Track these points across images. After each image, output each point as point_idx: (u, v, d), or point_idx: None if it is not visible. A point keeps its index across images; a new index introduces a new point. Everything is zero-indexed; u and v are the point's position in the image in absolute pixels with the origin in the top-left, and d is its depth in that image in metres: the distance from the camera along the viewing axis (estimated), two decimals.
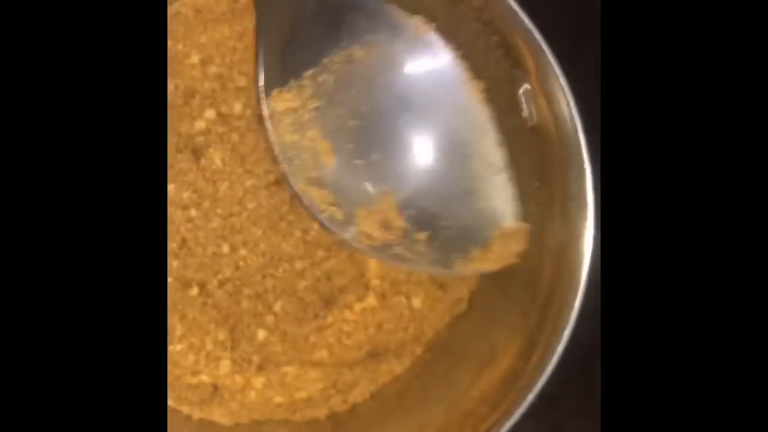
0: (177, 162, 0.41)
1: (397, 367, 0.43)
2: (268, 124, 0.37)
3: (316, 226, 0.42)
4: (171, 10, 0.42)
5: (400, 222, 0.40)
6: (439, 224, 0.40)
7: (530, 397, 0.37)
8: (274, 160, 0.42)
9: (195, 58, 0.42)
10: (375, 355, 0.43)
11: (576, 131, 0.37)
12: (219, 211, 0.42)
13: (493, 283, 0.43)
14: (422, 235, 0.40)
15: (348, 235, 0.39)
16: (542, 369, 0.37)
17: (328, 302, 0.43)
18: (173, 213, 0.42)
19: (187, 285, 0.42)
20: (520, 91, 0.39)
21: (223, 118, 0.42)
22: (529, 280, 0.40)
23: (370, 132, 0.39)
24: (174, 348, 0.42)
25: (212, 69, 0.42)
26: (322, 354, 0.43)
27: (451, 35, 0.40)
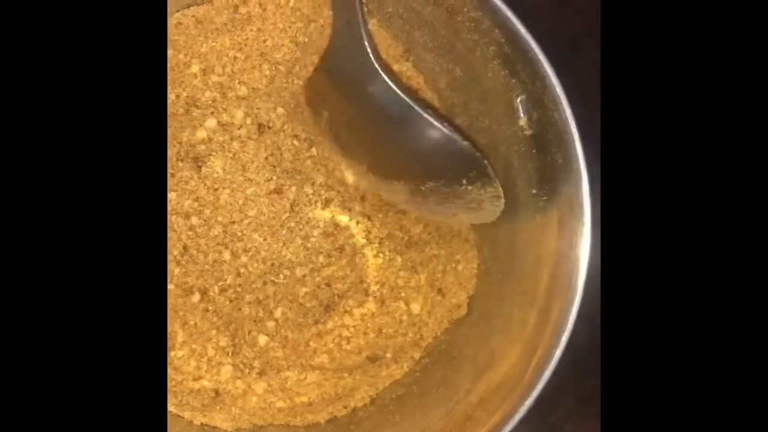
0: (178, 171, 0.42)
1: (397, 371, 0.44)
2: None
3: (316, 232, 0.43)
4: (172, 20, 0.42)
5: None
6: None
7: (529, 401, 0.37)
8: (275, 169, 0.43)
9: (196, 68, 0.42)
10: (374, 359, 0.43)
11: (572, 138, 0.37)
12: (220, 218, 0.42)
13: (492, 288, 0.43)
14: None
15: None
16: (540, 374, 0.37)
17: (328, 308, 0.43)
18: (175, 221, 0.42)
19: (188, 292, 0.42)
20: (518, 99, 0.39)
21: (224, 127, 0.42)
22: (527, 286, 0.41)
23: None
24: (176, 354, 0.42)
25: (213, 78, 0.42)
26: (323, 359, 0.43)
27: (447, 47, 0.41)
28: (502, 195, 0.40)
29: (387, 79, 0.38)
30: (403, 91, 0.38)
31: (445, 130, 0.39)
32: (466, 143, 0.39)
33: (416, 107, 0.38)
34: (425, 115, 0.38)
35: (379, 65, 0.38)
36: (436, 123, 0.39)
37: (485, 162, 0.39)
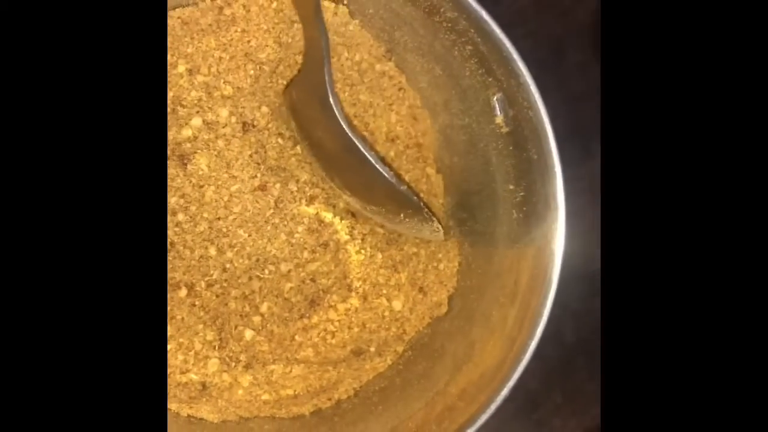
0: None
1: (380, 364, 0.45)
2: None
3: (300, 228, 0.44)
4: None
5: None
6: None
7: (505, 392, 0.38)
8: (259, 166, 0.44)
9: (182, 68, 0.43)
10: (359, 353, 0.44)
11: (546, 135, 0.38)
12: (206, 215, 0.43)
13: (472, 284, 0.44)
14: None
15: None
16: (516, 366, 0.38)
17: (313, 303, 0.44)
18: None
19: (175, 287, 0.43)
20: (494, 98, 0.40)
21: (209, 125, 0.43)
22: (507, 280, 0.42)
23: None
24: None
25: (199, 78, 0.43)
26: (308, 353, 0.44)
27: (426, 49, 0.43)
28: (441, 230, 0.42)
29: (341, 120, 0.40)
30: (353, 134, 0.40)
31: (386, 175, 0.41)
32: (404, 188, 0.41)
33: (363, 150, 0.40)
34: (369, 158, 0.40)
35: (336, 106, 0.40)
36: (378, 167, 0.41)
37: (422, 205, 0.42)
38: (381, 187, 0.41)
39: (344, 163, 0.41)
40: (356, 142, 0.40)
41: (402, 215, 0.42)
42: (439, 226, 0.42)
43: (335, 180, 0.43)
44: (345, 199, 0.43)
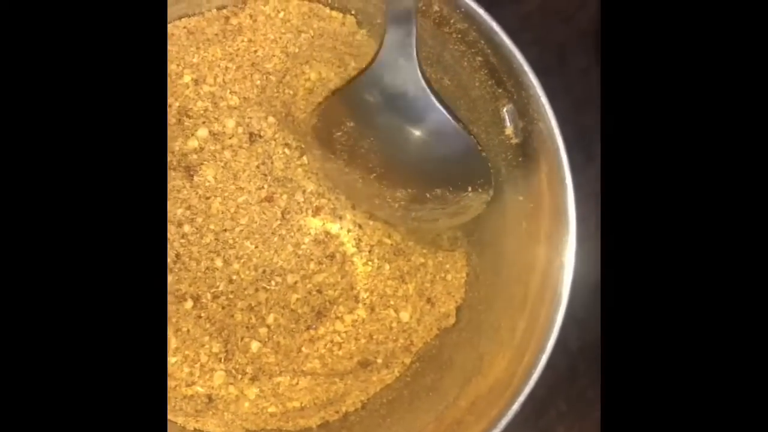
0: (171, 180, 0.42)
1: (388, 376, 0.44)
2: None
3: (307, 240, 0.44)
4: None
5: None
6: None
7: (516, 406, 0.38)
8: (266, 177, 0.43)
9: (188, 78, 0.43)
10: (366, 365, 0.44)
11: (557, 148, 0.38)
12: (212, 226, 0.43)
13: (481, 295, 0.44)
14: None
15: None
16: (527, 379, 0.38)
17: (320, 314, 0.44)
18: (167, 229, 0.42)
19: (181, 298, 0.43)
20: (504, 109, 0.40)
21: (215, 136, 0.43)
22: (515, 292, 0.41)
23: None
24: (169, 360, 0.42)
25: (205, 88, 0.43)
26: (315, 364, 0.44)
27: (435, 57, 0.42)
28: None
29: (432, 96, 0.38)
30: (443, 106, 0.39)
31: (476, 143, 0.39)
32: (484, 155, 0.39)
33: (453, 120, 0.39)
34: (459, 128, 0.39)
35: (426, 82, 0.38)
36: (469, 136, 0.39)
37: (491, 171, 0.40)
38: (462, 162, 0.39)
39: (413, 152, 0.40)
40: (447, 113, 0.38)
41: (470, 188, 0.40)
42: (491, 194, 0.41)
43: (387, 182, 0.41)
44: (399, 196, 0.41)
